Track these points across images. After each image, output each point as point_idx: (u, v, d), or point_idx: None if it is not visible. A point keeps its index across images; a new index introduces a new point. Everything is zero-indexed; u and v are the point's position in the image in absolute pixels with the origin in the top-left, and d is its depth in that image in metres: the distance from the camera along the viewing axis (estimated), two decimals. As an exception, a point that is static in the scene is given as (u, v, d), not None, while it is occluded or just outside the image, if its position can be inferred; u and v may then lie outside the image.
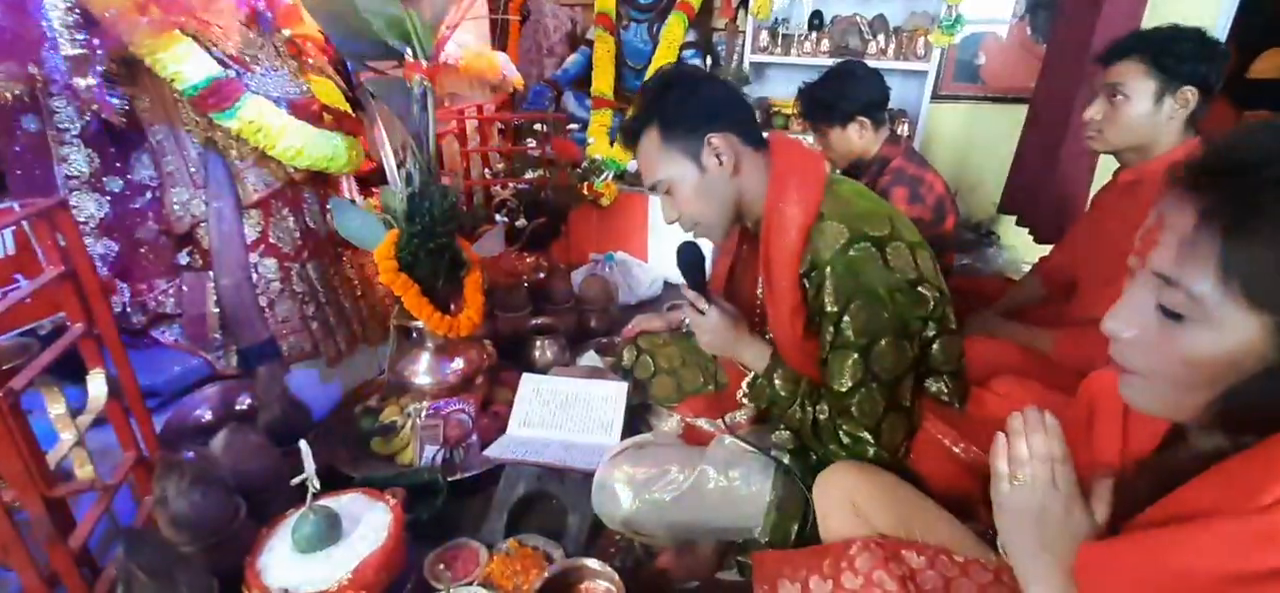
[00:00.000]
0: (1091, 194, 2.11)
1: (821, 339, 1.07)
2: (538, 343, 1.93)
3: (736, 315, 1.21)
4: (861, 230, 1.03)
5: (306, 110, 1.54)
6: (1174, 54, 1.33)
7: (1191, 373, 0.58)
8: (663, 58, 2.69)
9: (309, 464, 1.08)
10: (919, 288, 1.05)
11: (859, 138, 1.83)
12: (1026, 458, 0.72)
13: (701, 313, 1.19)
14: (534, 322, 2.01)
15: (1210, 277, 0.54)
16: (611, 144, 2.66)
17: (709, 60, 2.73)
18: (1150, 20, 2.08)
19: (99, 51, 1.22)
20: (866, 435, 1.06)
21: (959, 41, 2.45)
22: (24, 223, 0.98)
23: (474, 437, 1.56)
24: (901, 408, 1.07)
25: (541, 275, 2.16)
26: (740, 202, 1.14)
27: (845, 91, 1.80)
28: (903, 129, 2.59)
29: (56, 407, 0.94)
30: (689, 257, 1.21)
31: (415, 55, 1.44)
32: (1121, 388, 0.66)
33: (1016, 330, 1.66)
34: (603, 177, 2.41)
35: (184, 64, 1.33)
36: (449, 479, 1.45)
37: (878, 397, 1.04)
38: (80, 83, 1.21)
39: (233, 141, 1.45)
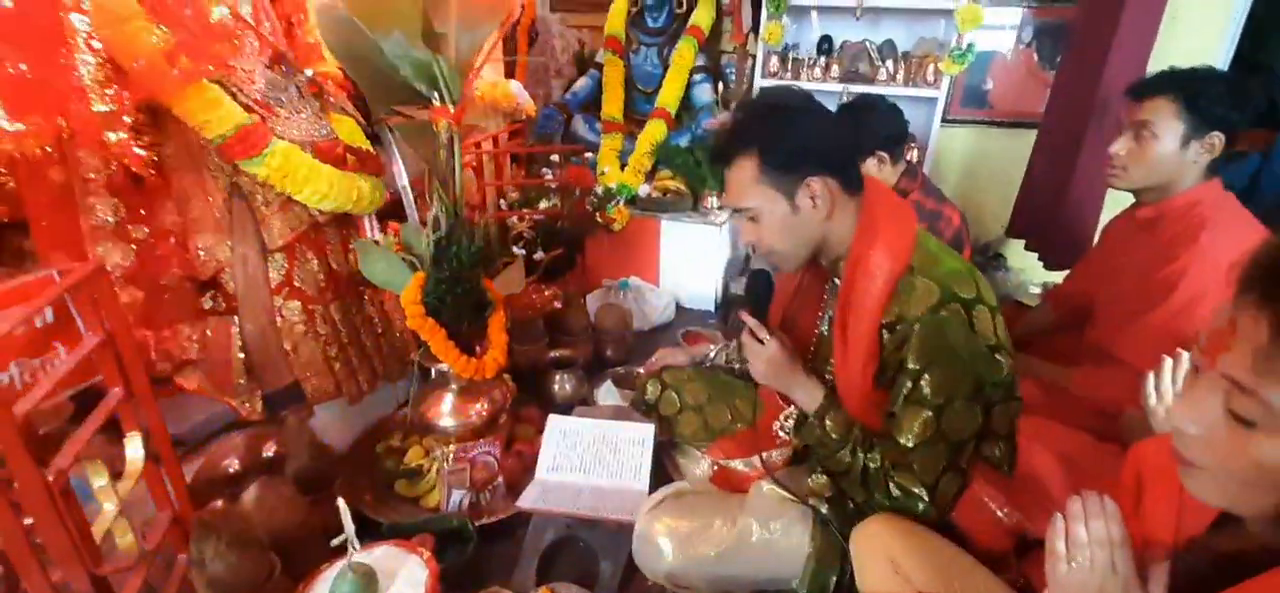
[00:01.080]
0: (1102, 222, 2.14)
1: (894, 392, 1.07)
2: (557, 378, 1.93)
3: (793, 350, 1.21)
4: (952, 291, 1.03)
5: (331, 153, 1.53)
6: (1207, 97, 1.34)
7: (1261, 475, 0.59)
8: (673, 82, 2.70)
9: (348, 525, 1.08)
10: (997, 354, 1.05)
11: (878, 171, 1.84)
12: (1085, 542, 0.73)
13: (760, 342, 1.19)
14: (552, 354, 2.01)
15: (1280, 389, 0.55)
16: (622, 168, 2.66)
17: (720, 86, 2.74)
18: (1158, 53, 2.11)
19: (127, 103, 1.21)
20: (921, 491, 1.05)
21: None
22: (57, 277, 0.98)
23: (500, 479, 1.56)
24: (960, 469, 1.07)
25: (558, 306, 2.16)
26: (823, 242, 1.14)
27: (865, 127, 1.81)
28: (912, 154, 2.60)
29: (99, 479, 0.93)
30: (761, 286, 1.21)
31: (442, 99, 1.43)
32: (1183, 478, 0.67)
33: (1034, 366, 1.68)
34: (615, 203, 2.42)
35: (212, 112, 1.32)
36: (477, 524, 1.44)
37: (942, 456, 1.04)
38: (110, 137, 1.19)
39: (258, 187, 1.45)
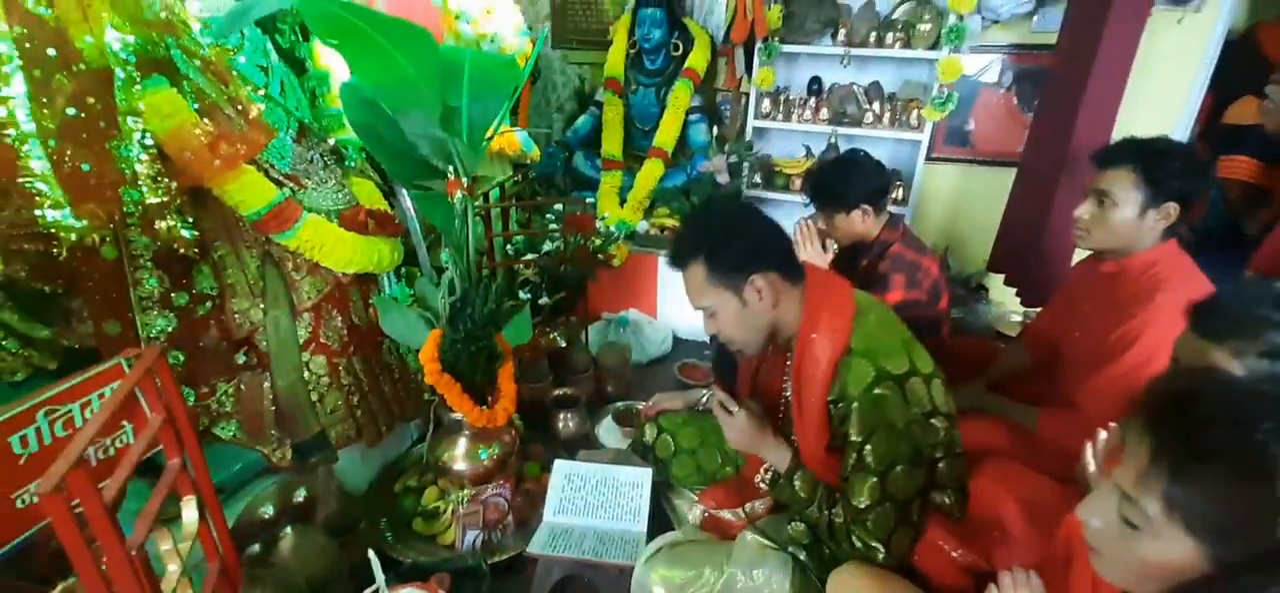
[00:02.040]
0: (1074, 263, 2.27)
1: (844, 460, 1.20)
2: (561, 416, 2.06)
3: (762, 417, 1.35)
4: (885, 370, 1.16)
5: (354, 221, 1.66)
6: (1165, 170, 1.44)
7: (1144, 569, 0.72)
8: (670, 122, 2.83)
9: (379, 575, 1.21)
10: (932, 419, 1.19)
11: (862, 223, 1.96)
12: (1015, 610, 0.87)
13: (731, 414, 1.33)
14: (556, 393, 2.14)
15: (1158, 504, 0.68)
16: (621, 204, 2.79)
17: (715, 130, 2.86)
18: (1128, 103, 2.23)
19: (175, 192, 1.34)
20: (877, 545, 1.19)
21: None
22: (125, 364, 1.11)
23: (510, 517, 1.69)
24: (910, 522, 1.20)
25: (562, 345, 2.29)
26: (776, 326, 1.27)
27: (851, 181, 1.92)
28: (898, 192, 2.73)
29: (166, 543, 1.06)
30: (724, 363, 1.35)
31: (457, 173, 1.56)
32: (1091, 559, 0.81)
33: (1006, 406, 1.80)
34: (615, 240, 2.55)
35: (248, 193, 1.45)
36: (490, 562, 1.58)
37: (891, 514, 1.18)
38: (161, 225, 1.33)
39: (288, 254, 1.58)
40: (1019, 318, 2.74)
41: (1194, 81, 2.51)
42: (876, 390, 1.15)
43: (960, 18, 2.40)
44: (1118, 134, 2.23)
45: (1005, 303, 2.74)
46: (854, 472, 1.18)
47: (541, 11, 3.38)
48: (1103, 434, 1.18)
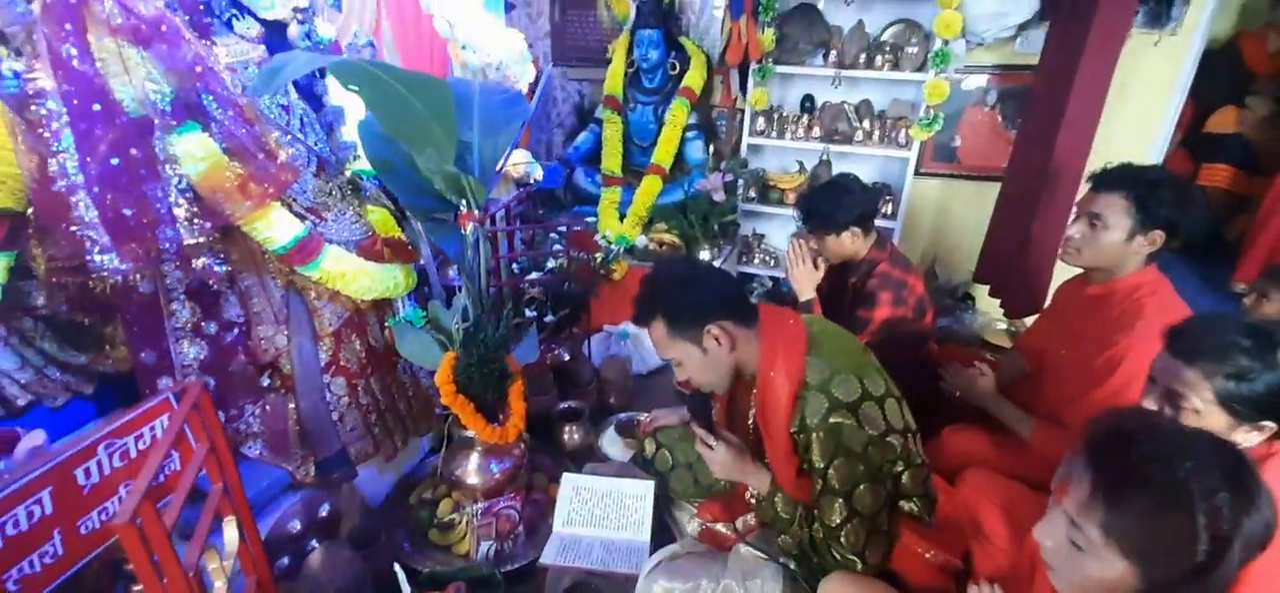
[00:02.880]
0: (1056, 278, 2.37)
1: (812, 484, 1.31)
2: (567, 429, 2.16)
3: (741, 447, 1.46)
4: (837, 400, 1.26)
5: (371, 250, 1.76)
6: (1155, 199, 1.52)
7: (1088, 585, 0.83)
8: (668, 140, 2.93)
9: (406, 588, 1.31)
10: (888, 438, 1.29)
11: (851, 243, 2.07)
12: (984, 618, 0.98)
13: (711, 448, 1.44)
14: (561, 405, 2.24)
15: (1098, 529, 0.79)
16: (621, 220, 2.89)
17: (712, 152, 2.96)
18: (1106, 123, 2.34)
19: (210, 231, 1.44)
20: (854, 558, 1.30)
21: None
22: (173, 399, 1.21)
23: (521, 528, 1.80)
24: (881, 532, 1.31)
25: (566, 359, 2.40)
26: (738, 366, 1.39)
27: (841, 205, 2.03)
28: (888, 206, 2.84)
29: (213, 563, 1.16)
30: (699, 404, 1.47)
31: (469, 205, 1.66)
32: (1048, 574, 0.91)
33: (1007, 410, 1.85)
34: (617, 256, 2.65)
35: (274, 229, 1.54)
36: (503, 571, 1.68)
37: (861, 529, 1.28)
38: (197, 263, 1.42)
39: (311, 283, 1.67)
40: (1004, 327, 2.85)
41: (1170, 101, 2.61)
42: (832, 420, 1.24)
43: (946, 42, 2.50)
44: (1096, 153, 2.35)
45: (991, 313, 2.85)
46: (822, 494, 1.29)
47: (541, 30, 3.47)
48: None
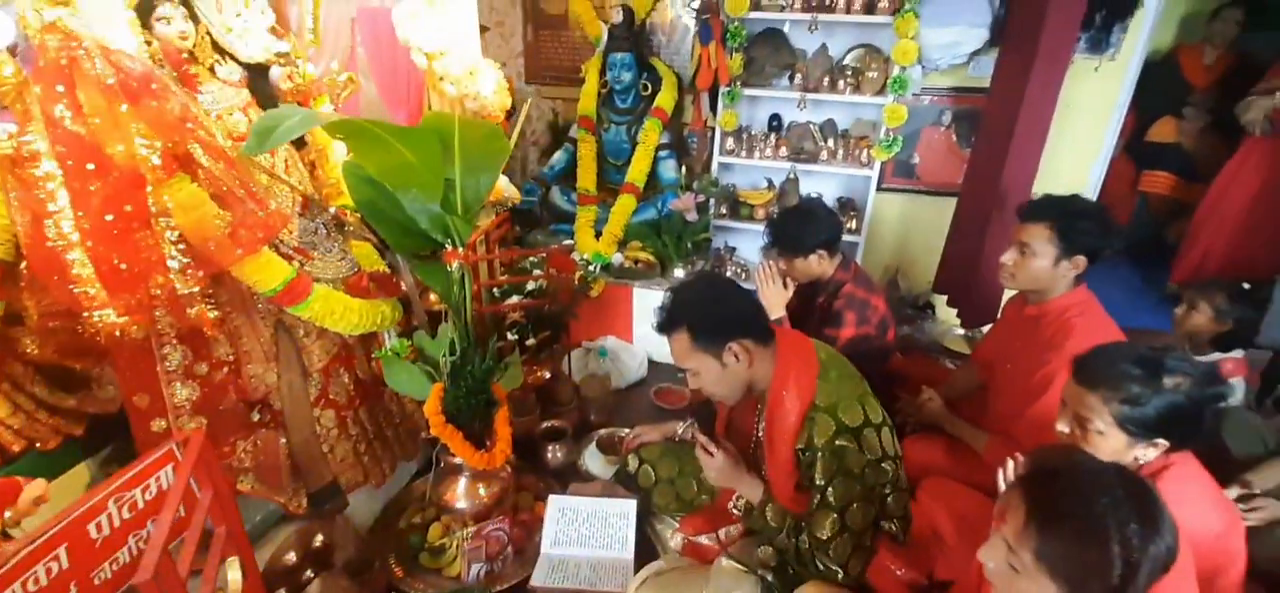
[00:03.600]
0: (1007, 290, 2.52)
1: (810, 498, 1.42)
2: (550, 448, 2.24)
3: (738, 457, 1.57)
4: (844, 424, 1.37)
5: (358, 287, 1.81)
6: (1076, 229, 1.68)
7: (1025, 601, 0.95)
8: (641, 159, 3.01)
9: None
10: (883, 463, 1.41)
11: (818, 264, 2.18)
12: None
13: (711, 455, 1.54)
14: (544, 425, 2.32)
15: (1031, 555, 0.91)
16: (597, 237, 2.97)
17: (684, 170, 3.06)
18: (1053, 141, 2.49)
19: (203, 279, 1.48)
20: (837, 569, 1.42)
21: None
22: (176, 450, 1.26)
23: (510, 548, 1.88)
24: (864, 548, 1.43)
25: (546, 377, 2.47)
26: (751, 381, 1.48)
27: (807, 229, 2.14)
28: (852, 222, 2.98)
29: (221, 604, 1.22)
30: (705, 411, 1.55)
31: (453, 244, 1.72)
32: (993, 591, 1.03)
33: (959, 426, 2.01)
34: (595, 276, 2.73)
35: (265, 272, 1.59)
36: (494, 591, 1.76)
37: (848, 543, 1.40)
38: (191, 311, 1.46)
39: (299, 321, 1.72)
40: (962, 333, 3.01)
41: (1110, 120, 2.79)
42: (838, 442, 1.36)
43: (903, 69, 2.64)
44: (1042, 170, 2.52)
45: (950, 321, 3.01)
46: (818, 508, 1.40)
47: (514, 49, 3.52)
48: (1011, 464, 1.42)
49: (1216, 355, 2.18)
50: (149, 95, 1.42)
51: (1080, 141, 2.79)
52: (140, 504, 1.19)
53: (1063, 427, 1.32)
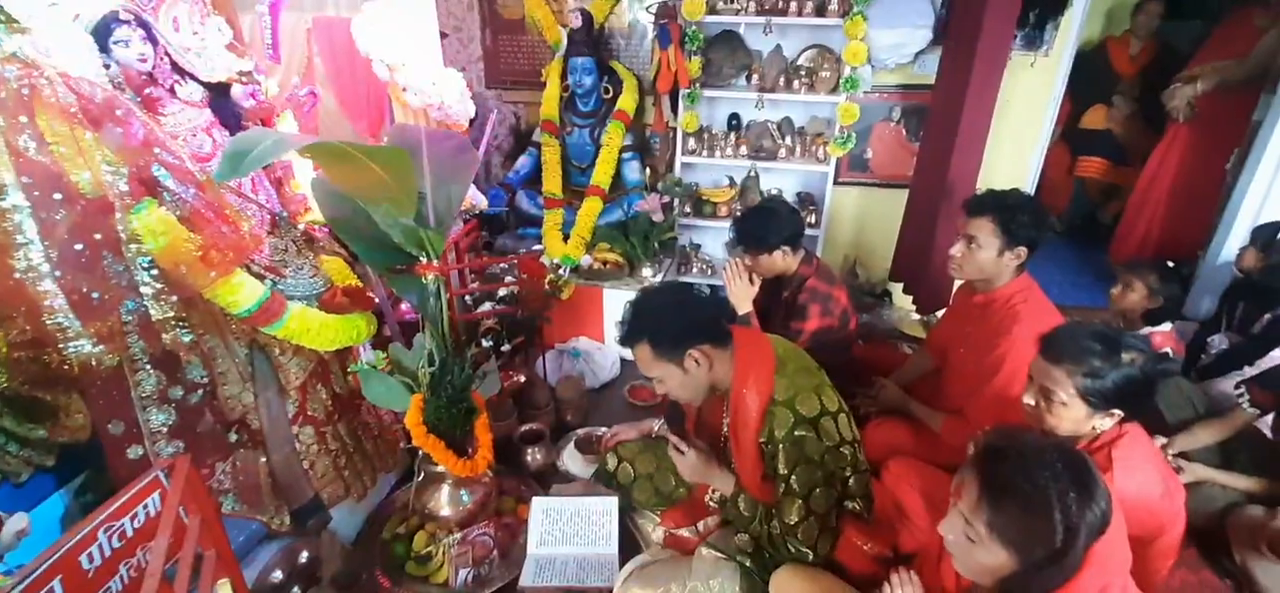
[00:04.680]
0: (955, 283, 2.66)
1: (775, 487, 1.51)
2: (529, 451, 2.28)
3: (709, 453, 1.64)
4: (802, 415, 1.46)
5: (332, 303, 1.81)
6: (1017, 222, 1.80)
7: (979, 569, 1.05)
8: (605, 161, 3.06)
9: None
10: (841, 448, 1.50)
11: (782, 260, 2.27)
12: (900, 603, 1.20)
13: (683, 453, 1.61)
14: (522, 429, 2.36)
15: (984, 526, 1.00)
16: (565, 240, 3.01)
17: (648, 171, 3.12)
18: (995, 133, 2.64)
19: (177, 305, 1.48)
20: (807, 550, 1.50)
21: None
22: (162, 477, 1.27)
23: (495, 551, 1.92)
24: (830, 528, 1.52)
25: (521, 381, 2.51)
26: (714, 382, 1.56)
27: (770, 227, 2.23)
28: (811, 216, 3.09)
29: (214, 626, 1.24)
30: (675, 414, 1.63)
31: (428, 257, 1.74)
32: (953, 562, 1.13)
33: (916, 408, 2.15)
34: (565, 280, 2.77)
35: (237, 294, 1.58)
36: (482, 594, 1.80)
37: (815, 525, 1.49)
38: (166, 337, 1.46)
39: (275, 340, 1.72)
40: (918, 319, 3.16)
41: (1046, 112, 2.97)
42: (797, 433, 1.45)
43: (854, 69, 2.75)
44: (986, 161, 2.66)
45: (906, 307, 3.16)
46: (784, 496, 1.49)
47: (473, 54, 3.51)
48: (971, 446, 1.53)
49: (1148, 330, 2.36)
50: (112, 120, 1.41)
51: (1020, 132, 2.97)
52: (129, 533, 1.19)
53: (1029, 400, 1.43)
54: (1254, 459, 1.97)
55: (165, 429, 1.62)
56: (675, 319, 1.51)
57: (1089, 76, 3.83)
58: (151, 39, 1.61)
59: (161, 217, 1.46)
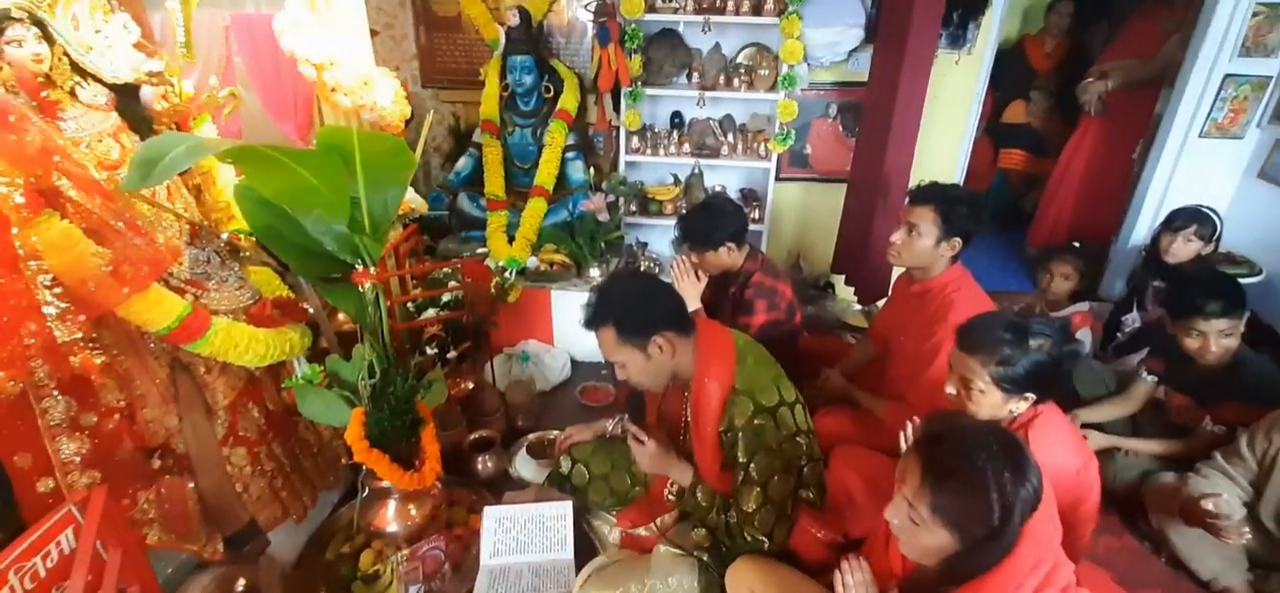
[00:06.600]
0: (896, 269, 2.76)
1: (734, 476, 1.52)
2: (480, 459, 2.23)
3: (668, 444, 1.65)
4: (761, 404, 1.48)
5: (261, 316, 1.72)
6: (956, 213, 1.88)
7: (924, 550, 1.09)
8: (548, 161, 3.01)
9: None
10: (798, 437, 1.53)
11: (728, 256, 2.29)
12: (852, 585, 1.23)
13: (642, 444, 1.61)
14: (472, 437, 2.30)
15: (927, 508, 1.04)
16: (509, 242, 2.95)
17: (592, 170, 3.10)
18: (926, 124, 2.74)
19: (85, 324, 1.37)
20: (763, 538, 1.52)
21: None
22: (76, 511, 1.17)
23: (447, 565, 1.86)
24: (786, 516, 1.55)
25: (470, 388, 2.45)
26: (676, 370, 1.56)
27: (715, 224, 2.24)
28: (755, 212, 3.14)
29: (141, 669, 1.15)
30: (636, 403, 1.62)
31: (364, 264, 1.67)
32: (899, 545, 1.16)
33: (860, 396, 2.21)
34: (511, 284, 2.72)
35: (154, 311, 1.48)
36: (433, 610, 1.74)
37: (772, 513, 1.51)
38: (74, 360, 1.35)
39: (199, 358, 1.62)
40: (860, 309, 3.26)
41: (971, 106, 3.11)
42: (756, 421, 1.47)
43: (791, 67, 2.81)
44: (917, 155, 2.76)
45: (848, 299, 3.25)
46: (742, 485, 1.50)
47: (407, 52, 3.41)
48: (909, 428, 1.58)
49: (1070, 309, 2.51)
50: (4, 127, 1.29)
51: (948, 127, 3.10)
52: (42, 573, 1.10)
53: (950, 389, 1.50)
54: (1158, 430, 2.12)
55: (78, 459, 1.49)
56: (642, 304, 1.51)
57: (1008, 74, 4.04)
58: (48, 38, 1.49)
59: (64, 229, 1.35)
